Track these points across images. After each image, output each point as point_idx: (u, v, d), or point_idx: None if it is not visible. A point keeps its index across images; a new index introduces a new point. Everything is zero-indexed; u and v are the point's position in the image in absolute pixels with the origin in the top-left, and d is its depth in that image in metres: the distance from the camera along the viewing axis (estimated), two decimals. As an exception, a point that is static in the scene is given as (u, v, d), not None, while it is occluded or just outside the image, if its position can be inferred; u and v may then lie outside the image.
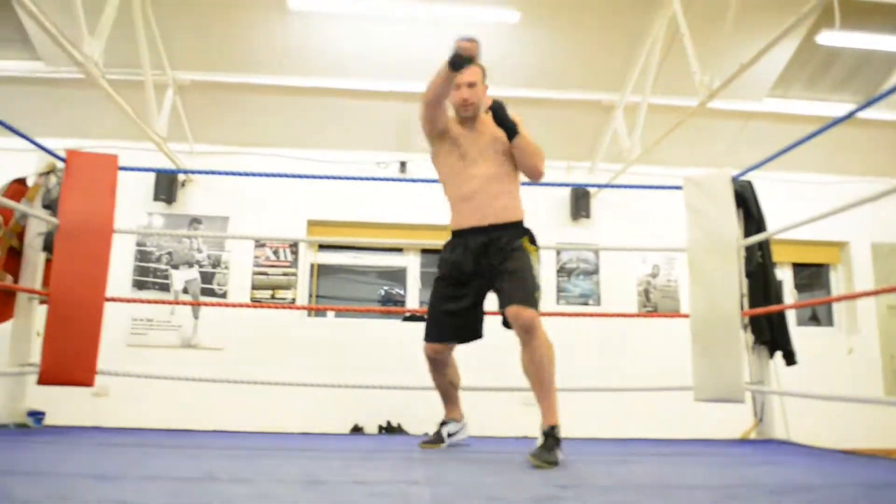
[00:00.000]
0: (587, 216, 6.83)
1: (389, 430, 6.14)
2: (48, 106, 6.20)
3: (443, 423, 3.11)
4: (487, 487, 1.97)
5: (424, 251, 7.01)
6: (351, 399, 5.88)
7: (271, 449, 2.92)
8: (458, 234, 2.84)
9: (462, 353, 6.19)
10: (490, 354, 6.31)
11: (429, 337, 2.91)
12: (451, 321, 2.87)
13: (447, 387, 3.09)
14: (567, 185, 6.75)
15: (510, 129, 2.73)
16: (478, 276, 2.78)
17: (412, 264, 6.99)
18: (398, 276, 7.08)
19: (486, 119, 2.83)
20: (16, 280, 3.60)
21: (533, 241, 2.80)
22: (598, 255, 6.83)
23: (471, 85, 2.79)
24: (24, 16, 5.32)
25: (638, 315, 6.69)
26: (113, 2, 4.74)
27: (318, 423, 5.54)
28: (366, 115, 6.62)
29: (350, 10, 5.63)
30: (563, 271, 6.77)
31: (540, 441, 2.47)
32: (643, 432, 4.50)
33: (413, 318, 6.70)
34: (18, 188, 3.70)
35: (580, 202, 6.81)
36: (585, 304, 6.72)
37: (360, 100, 6.49)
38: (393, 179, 6.45)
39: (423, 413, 6.00)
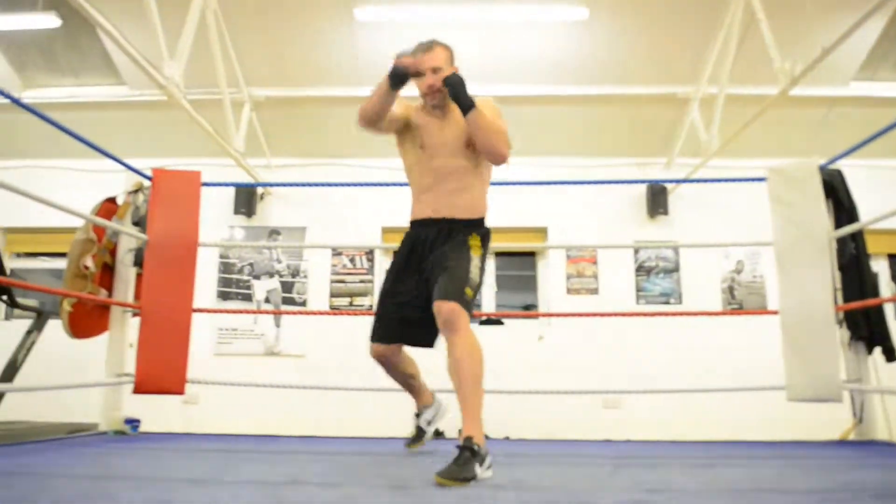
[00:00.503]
0: (665, 213, 6.65)
1: (469, 434, 6.13)
2: (134, 128, 6.50)
3: (417, 415, 2.96)
4: (573, 491, 1.94)
5: (498, 254, 6.98)
6: (430, 404, 5.91)
7: (354, 453, 2.96)
8: (413, 225, 2.68)
9: (541, 356, 6.11)
10: (568, 356, 6.25)
11: (373, 336, 2.70)
12: (398, 319, 2.64)
13: (406, 380, 2.87)
14: (643, 181, 6.59)
15: (465, 104, 2.44)
16: (423, 269, 2.56)
17: (488, 267, 6.97)
18: (473, 280, 7.07)
19: (456, 108, 2.56)
20: (110, 294, 3.77)
21: (485, 240, 2.61)
22: (678, 252, 6.64)
23: (435, 70, 2.55)
24: (109, 43, 5.60)
25: (723, 313, 6.47)
26: (191, 25, 4.93)
27: (399, 428, 5.58)
28: (436, 121, 6.65)
29: (416, 18, 5.67)
30: (641, 270, 6.62)
31: (456, 454, 2.08)
32: (732, 434, 4.34)
33: (489, 321, 6.68)
34: (110, 207, 3.89)
35: (657, 199, 6.65)
36: (666, 302, 6.54)
37: (429, 106, 6.53)
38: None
39: (503, 416, 5.99)
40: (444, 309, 2.32)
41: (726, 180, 4.49)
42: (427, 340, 2.68)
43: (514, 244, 6.87)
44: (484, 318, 6.76)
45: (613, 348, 6.23)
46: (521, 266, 7.10)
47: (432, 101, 2.58)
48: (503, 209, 6.70)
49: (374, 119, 2.57)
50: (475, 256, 2.49)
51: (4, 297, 4.19)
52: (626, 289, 6.58)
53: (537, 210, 6.74)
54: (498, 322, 6.72)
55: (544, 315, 6.73)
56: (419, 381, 2.90)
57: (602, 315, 5.02)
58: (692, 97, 6.19)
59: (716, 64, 5.78)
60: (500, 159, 2.57)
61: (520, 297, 7.15)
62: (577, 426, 5.83)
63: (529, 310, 7.02)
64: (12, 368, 4.31)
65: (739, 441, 3.81)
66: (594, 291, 6.58)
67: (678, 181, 6.39)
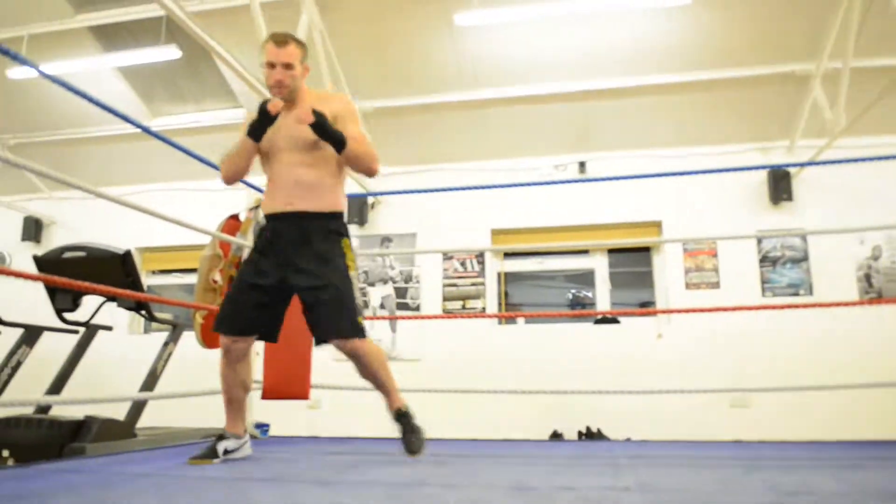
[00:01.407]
0: (789, 199, 6.26)
1: (589, 435, 6.02)
2: (252, 147, 6.84)
3: (220, 437, 2.67)
4: (703, 494, 1.85)
5: (611, 251, 6.82)
6: (548, 405, 5.85)
7: (476, 455, 2.96)
8: (269, 219, 2.63)
9: (661, 354, 5.91)
10: (690, 354, 6.01)
11: (222, 326, 2.57)
12: (252, 309, 2.55)
13: (237, 388, 2.66)
14: (764, 167, 6.24)
15: (337, 143, 2.49)
16: (284, 266, 2.53)
17: (600, 265, 6.83)
18: (586, 278, 6.95)
19: (305, 103, 2.59)
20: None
21: (347, 235, 2.68)
22: (807, 240, 6.24)
23: (287, 66, 2.54)
24: (226, 70, 5.92)
25: (859, 303, 6.01)
26: (299, 44, 5.13)
27: (516, 430, 5.57)
28: (540, 120, 6.60)
29: (515, 18, 5.65)
30: (766, 261, 6.27)
31: (399, 429, 2.62)
32: (876, 434, 4.03)
33: (605, 320, 6.54)
34: (233, 223, 4.11)
35: (780, 185, 6.27)
36: (795, 294, 6.16)
37: (533, 105, 6.48)
38: (573, 181, 6.36)
39: (623, 417, 5.85)
40: (346, 347, 2.50)
41: (857, 160, 4.18)
42: (271, 334, 2.67)
43: (628, 240, 6.68)
44: (599, 316, 6.62)
45: (739, 344, 5.93)
46: (635, 262, 6.90)
47: (279, 94, 2.55)
48: (614, 204, 6.58)
49: (241, 175, 2.67)
50: (353, 276, 2.59)
51: (143, 312, 4.51)
52: (750, 281, 6.25)
53: (650, 203, 6.53)
54: (614, 321, 6.56)
55: (663, 312, 6.50)
56: (244, 401, 2.74)
57: (725, 309, 4.81)
58: (813, 74, 5.79)
59: (838, 36, 5.39)
60: (373, 175, 2.73)
61: (635, 294, 6.95)
62: (702, 427, 5.59)
63: (646, 307, 6.81)
64: (153, 378, 4.63)
65: (886, 441, 3.53)
66: (715, 285, 6.29)
67: (803, 164, 6.00)
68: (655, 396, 5.45)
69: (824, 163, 5.41)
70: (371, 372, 2.58)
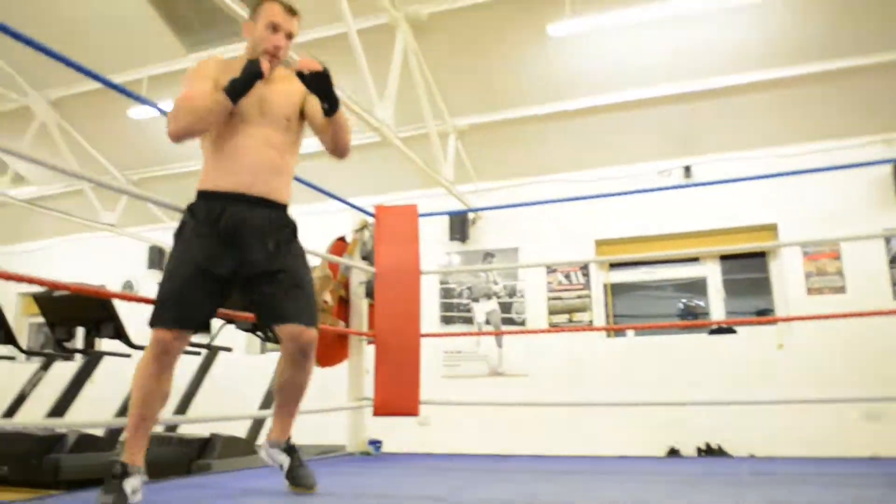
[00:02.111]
0: (920, 193, 5.80)
1: (709, 451, 5.76)
2: (353, 169, 7.03)
3: (125, 474, 2.02)
4: (843, 515, 1.73)
5: (724, 257, 6.52)
6: (663, 420, 5.64)
7: (589, 472, 2.89)
8: (217, 196, 2.22)
9: (783, 364, 5.57)
10: (815, 363, 5.64)
11: (165, 318, 2.13)
12: (202, 299, 2.18)
13: (159, 402, 2.16)
14: (890, 161, 5.80)
15: (335, 101, 2.25)
16: (240, 250, 2.20)
17: (712, 273, 6.55)
18: (698, 286, 6.68)
19: (281, 76, 2.35)
20: (347, 325, 4.08)
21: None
22: (943, 237, 5.75)
23: (289, 36, 2.29)
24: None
25: None
26: (395, 69, 5.26)
27: (629, 446, 5.40)
28: (640, 126, 6.44)
29: (609, 24, 5.55)
30: (896, 262, 5.82)
31: (287, 460, 2.26)
32: None
33: (720, 330, 6.26)
34: (340, 245, 4.23)
35: (908, 178, 5.82)
36: (932, 296, 5.68)
37: (632, 111, 6.33)
38: (679, 186, 6.15)
39: (746, 432, 5.56)
40: (305, 336, 2.21)
41: None
42: (202, 330, 2.36)
43: (742, 245, 6.37)
44: (714, 326, 6.35)
45: (870, 351, 5.52)
46: (750, 268, 6.57)
47: (271, 62, 2.24)
48: (724, 208, 6.30)
49: (199, 135, 2.26)
50: (309, 270, 2.36)
51: (259, 333, 4.71)
52: (879, 284, 5.81)
53: (764, 206, 6.21)
54: (730, 330, 6.27)
55: (783, 319, 6.15)
56: (156, 418, 2.21)
57: (853, 315, 4.48)
58: (941, 57, 5.36)
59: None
60: (346, 153, 2.42)
61: (752, 301, 6.62)
62: (833, 442, 5.22)
63: (765, 315, 6.46)
64: (270, 396, 4.82)
65: None
66: (840, 290, 5.90)
67: (933, 156, 5.56)
68: (780, 409, 5.15)
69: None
70: (301, 386, 2.31)
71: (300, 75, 2.19)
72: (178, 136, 2.18)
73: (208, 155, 2.28)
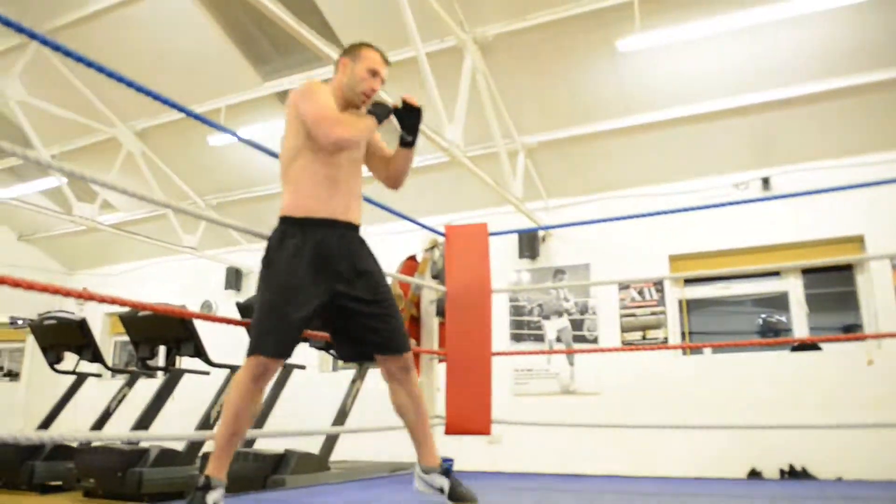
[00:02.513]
0: None
1: (793, 474, 5.50)
2: (424, 189, 7.11)
3: (208, 487, 2.17)
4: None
5: (806, 271, 6.26)
6: (744, 441, 5.43)
7: (666, 494, 2.80)
8: (312, 223, 2.34)
9: (873, 383, 5.33)
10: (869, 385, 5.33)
11: (268, 346, 2.25)
12: (300, 326, 2.28)
13: (249, 422, 2.32)
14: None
15: (415, 138, 2.53)
16: (335, 279, 2.32)
17: (793, 287, 6.29)
18: (778, 302, 6.43)
19: (360, 112, 2.51)
20: (418, 343, 4.11)
21: None
22: None
23: (382, 82, 2.53)
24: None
25: None
26: (464, 89, 5.29)
27: (710, 468, 5.21)
28: (714, 138, 6.28)
29: (678, 38, 5.44)
30: None
31: (447, 483, 2.42)
32: None
33: (803, 347, 5.99)
34: (411, 264, 4.29)
35: None
36: None
37: (704, 123, 6.18)
38: (757, 200, 5.94)
39: (833, 453, 5.29)
40: (406, 357, 2.44)
41: None
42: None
43: (826, 259, 6.09)
44: (796, 343, 6.08)
45: (970, 370, 5.19)
46: (835, 282, 6.28)
47: (363, 101, 2.50)
48: (806, 220, 6.06)
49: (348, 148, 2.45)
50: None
51: (332, 352, 4.79)
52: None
53: (849, 217, 5.94)
54: (814, 347, 5.99)
55: (872, 336, 5.84)
56: (244, 435, 2.35)
57: (950, 331, 4.23)
58: None
59: None
60: (400, 186, 2.67)
61: (838, 317, 6.31)
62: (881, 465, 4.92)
63: (852, 331, 6.15)
64: (343, 413, 4.89)
65: None
66: (934, 303, 5.57)
67: None
68: (870, 430, 4.88)
69: None
70: (416, 388, 2.49)
71: (398, 110, 2.47)
72: (345, 142, 2.34)
73: (298, 182, 2.39)
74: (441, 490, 2.42)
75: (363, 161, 2.60)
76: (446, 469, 2.46)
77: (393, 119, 2.50)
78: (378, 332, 2.39)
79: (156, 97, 2.62)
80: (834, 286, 6.28)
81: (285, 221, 2.37)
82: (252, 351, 2.24)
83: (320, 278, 2.30)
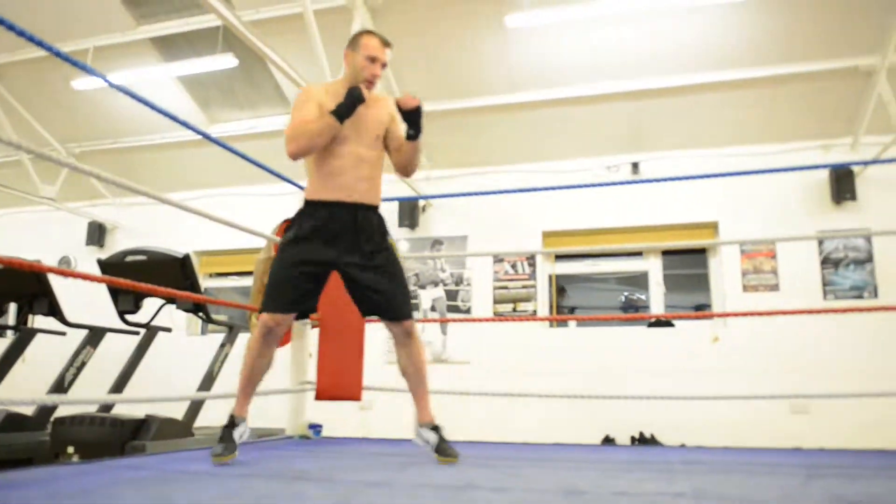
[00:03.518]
0: (852, 198, 6.04)
1: (643, 440, 5.93)
2: (305, 152, 6.95)
3: (231, 425, 2.64)
4: (762, 502, 1.80)
5: (666, 253, 6.70)
6: (600, 409, 5.78)
7: (525, 459, 2.94)
8: (322, 205, 2.66)
9: (717, 358, 5.76)
10: (748, 358, 5.85)
11: (270, 304, 2.64)
12: (301, 286, 2.63)
13: (262, 372, 2.72)
14: (826, 165, 6.03)
15: (419, 131, 2.68)
16: (338, 249, 2.63)
17: (653, 268, 6.72)
18: (639, 280, 6.85)
19: (374, 100, 2.75)
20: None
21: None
22: (871, 241, 6.01)
23: (383, 66, 2.70)
24: (280, 76, 6.05)
25: (928, 306, 5.76)
26: (351, 50, 5.19)
27: (567, 434, 5.51)
28: (591, 121, 6.53)
29: (566, 18, 5.60)
30: (828, 262, 6.06)
31: (435, 437, 2.68)
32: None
33: (659, 323, 6.43)
34: (287, 227, 4.18)
35: (842, 183, 6.06)
36: (859, 297, 5.94)
37: (584, 106, 6.42)
38: (626, 182, 6.28)
39: (678, 423, 5.74)
40: (406, 324, 2.72)
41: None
42: (306, 315, 2.95)
43: (683, 242, 6.55)
44: (653, 319, 6.51)
45: (799, 348, 5.76)
46: (690, 264, 6.77)
47: (369, 88, 2.68)
48: (669, 205, 6.46)
49: (313, 152, 2.65)
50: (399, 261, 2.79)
51: (201, 314, 4.64)
52: (811, 284, 6.06)
53: (707, 204, 6.40)
54: (668, 324, 6.44)
55: (719, 315, 6.35)
56: (256, 388, 2.76)
57: (785, 313, 4.67)
58: (878, 68, 5.59)
59: (905, 29, 5.19)
60: (411, 174, 2.86)
61: (690, 297, 6.82)
62: (760, 433, 5.45)
63: (702, 310, 6.67)
64: (210, 378, 4.76)
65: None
66: (774, 288, 6.12)
67: (867, 163, 5.80)
68: (711, 402, 5.32)
69: (890, 161, 5.20)
70: (420, 350, 2.79)
71: (400, 107, 2.62)
72: (297, 156, 2.58)
73: (313, 170, 2.70)
74: (427, 442, 2.70)
75: (382, 149, 2.79)
76: (436, 426, 2.71)
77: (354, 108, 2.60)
78: (378, 298, 2.66)
79: (11, 27, 2.38)
80: (689, 268, 6.77)
81: (304, 204, 2.70)
82: (260, 310, 2.66)
83: (329, 249, 2.61)
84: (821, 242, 6.10)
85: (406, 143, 2.72)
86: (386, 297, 2.66)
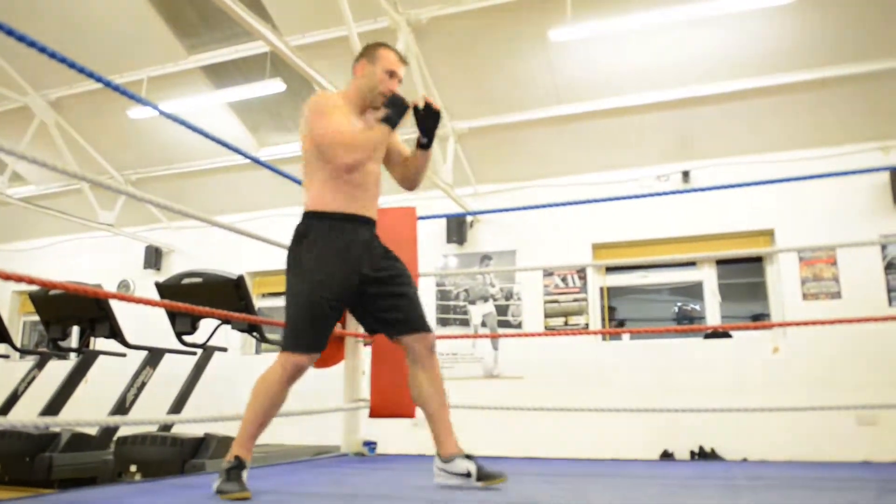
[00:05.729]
0: (916, 200, 5.81)
1: (703, 455, 5.77)
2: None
3: (241, 466, 2.29)
4: (835, 518, 1.73)
5: (720, 262, 6.54)
6: (657, 423, 5.65)
7: (583, 475, 2.90)
8: (344, 218, 2.43)
9: (778, 369, 5.58)
10: (810, 368, 5.65)
11: (307, 344, 2.34)
12: (333, 321, 2.40)
13: (278, 409, 2.43)
14: (887, 168, 5.80)
15: (432, 139, 2.52)
16: (361, 267, 2.41)
17: (708, 277, 6.56)
18: (693, 291, 6.70)
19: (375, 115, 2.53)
20: (343, 326, 4.08)
21: None
22: (938, 244, 5.76)
23: (400, 81, 2.55)
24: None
25: None
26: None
27: (624, 449, 5.41)
28: (639, 131, 6.45)
29: (610, 30, 5.56)
30: (892, 268, 5.83)
31: (474, 465, 2.34)
32: None
33: (715, 334, 6.27)
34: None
35: (904, 186, 5.83)
36: (927, 303, 5.69)
37: (631, 116, 6.35)
38: (677, 192, 6.16)
39: (739, 436, 5.57)
40: (430, 337, 2.46)
41: None
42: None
43: (739, 250, 6.37)
44: (709, 331, 6.36)
45: (864, 357, 5.54)
46: (746, 273, 6.59)
47: (381, 102, 2.48)
48: (722, 213, 6.32)
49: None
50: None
51: (255, 334, 4.71)
52: (874, 290, 5.83)
53: (762, 211, 6.23)
54: (725, 335, 6.28)
55: (779, 325, 6.16)
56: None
57: (848, 321, 4.50)
58: (937, 65, 5.37)
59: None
60: (414, 189, 2.69)
61: (748, 306, 6.63)
62: (826, 446, 5.25)
63: (760, 320, 6.48)
64: (266, 397, 4.81)
65: None
66: (836, 295, 5.91)
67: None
68: (773, 414, 5.15)
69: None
70: (439, 371, 2.49)
71: (417, 111, 2.45)
72: (355, 167, 2.38)
73: (326, 181, 2.43)
74: (468, 474, 2.35)
75: (380, 162, 2.61)
76: (468, 455, 2.40)
77: (404, 116, 2.47)
78: (398, 313, 2.44)
79: (71, 65, 2.47)
80: (745, 277, 6.59)
81: (314, 216, 2.44)
82: (288, 348, 2.32)
83: (353, 272, 2.38)
84: (884, 247, 5.87)
85: (414, 155, 2.57)
86: (405, 310, 2.45)
